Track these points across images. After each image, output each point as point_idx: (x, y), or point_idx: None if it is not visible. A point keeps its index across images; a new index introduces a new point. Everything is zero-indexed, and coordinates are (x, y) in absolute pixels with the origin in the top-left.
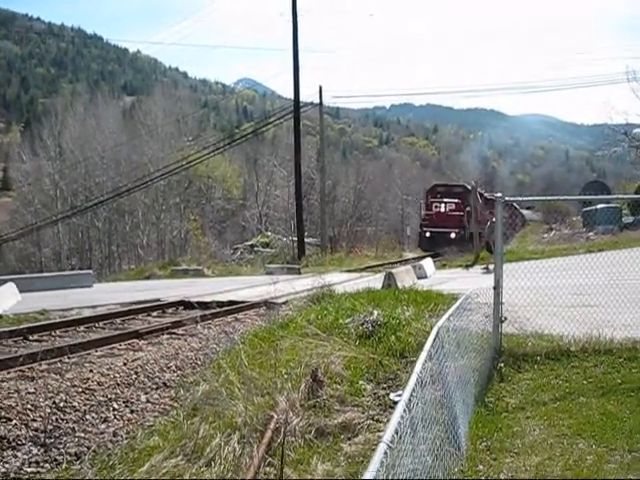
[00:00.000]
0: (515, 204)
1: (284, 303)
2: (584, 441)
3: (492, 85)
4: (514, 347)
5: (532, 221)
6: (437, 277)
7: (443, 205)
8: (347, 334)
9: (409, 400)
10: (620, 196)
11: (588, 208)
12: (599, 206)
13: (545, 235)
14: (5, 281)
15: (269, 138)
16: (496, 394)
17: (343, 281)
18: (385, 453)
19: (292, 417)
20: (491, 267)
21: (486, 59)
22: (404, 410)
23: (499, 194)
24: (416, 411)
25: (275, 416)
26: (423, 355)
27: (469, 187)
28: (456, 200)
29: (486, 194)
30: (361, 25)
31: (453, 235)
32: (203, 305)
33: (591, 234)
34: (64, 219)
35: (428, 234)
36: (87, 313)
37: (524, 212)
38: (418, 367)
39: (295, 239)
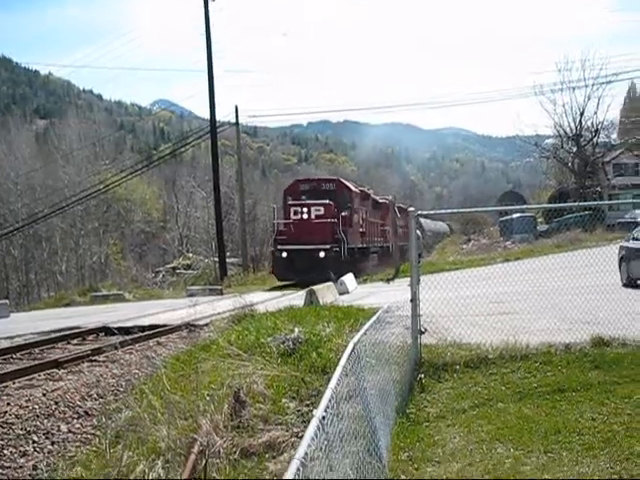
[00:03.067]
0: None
1: (206, 325)
2: (502, 445)
3: (407, 100)
4: (434, 358)
5: (446, 233)
6: (359, 292)
7: (306, 209)
8: (269, 353)
9: (323, 417)
10: (532, 206)
11: (504, 218)
12: (515, 216)
13: (464, 246)
14: None
15: (187, 159)
16: (417, 405)
17: (265, 300)
18: (298, 469)
19: (216, 439)
20: (421, 278)
21: (400, 75)
22: (317, 426)
23: (412, 208)
24: (333, 426)
25: (199, 439)
26: (338, 371)
27: (346, 183)
28: (326, 201)
29: (403, 207)
30: (277, 44)
31: (322, 254)
32: (124, 330)
33: (508, 243)
34: None
35: (285, 254)
36: (4, 344)
37: (441, 224)
38: (333, 383)
39: (217, 260)
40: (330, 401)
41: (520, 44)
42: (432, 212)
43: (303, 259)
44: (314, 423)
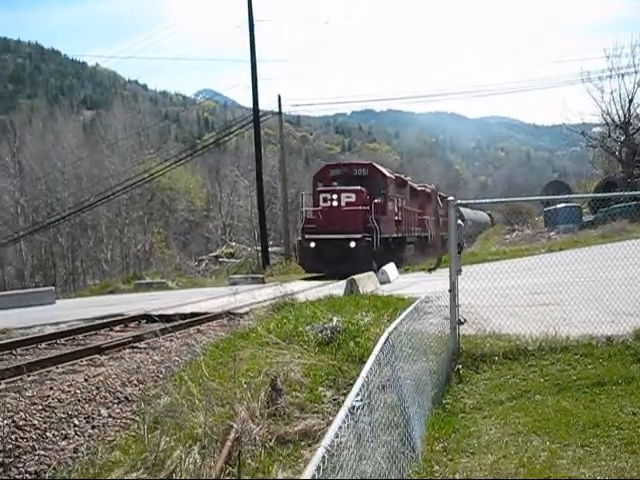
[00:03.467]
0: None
1: (246, 313)
2: (539, 438)
3: (451, 89)
4: (472, 348)
5: (487, 224)
6: (400, 282)
7: (336, 196)
8: (307, 341)
9: (352, 406)
10: (574, 195)
11: (549, 208)
12: (559, 206)
13: (507, 236)
14: None
15: (231, 148)
16: (454, 395)
17: (306, 289)
18: (323, 457)
19: (252, 426)
20: (462, 268)
21: (444, 64)
22: (346, 415)
23: (451, 197)
24: (364, 415)
25: (235, 426)
26: (371, 359)
27: (380, 168)
28: (358, 187)
29: (443, 195)
30: (319, 33)
31: (353, 244)
32: (166, 318)
33: (552, 233)
34: (26, 236)
35: (313, 244)
36: (49, 330)
37: (481, 214)
38: (364, 371)
39: (259, 248)
40: (361, 390)
41: (568, 31)
42: (472, 201)
43: (332, 249)
44: (342, 412)
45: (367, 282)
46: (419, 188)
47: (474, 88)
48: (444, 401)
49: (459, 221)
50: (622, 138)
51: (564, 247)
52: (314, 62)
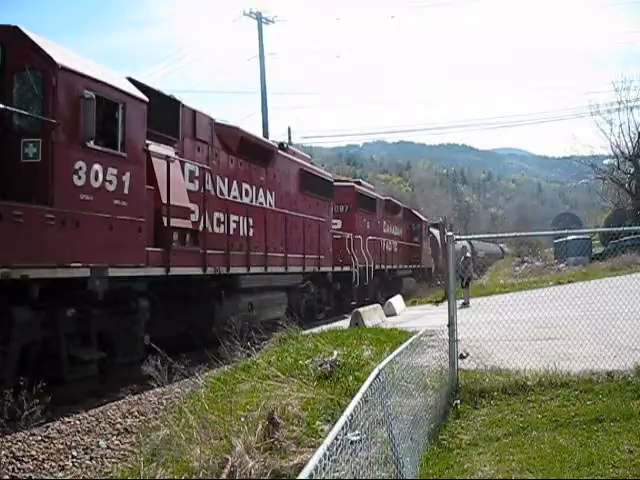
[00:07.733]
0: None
1: None
2: (532, 475)
3: (463, 121)
4: (471, 383)
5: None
6: (406, 314)
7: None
8: (306, 375)
9: (332, 444)
10: (577, 230)
11: (559, 240)
12: (570, 238)
13: (517, 268)
14: None
15: None
16: (450, 431)
17: None
18: None
19: (247, 460)
20: (470, 301)
21: (456, 95)
22: (324, 454)
23: (450, 232)
24: (346, 454)
25: (230, 459)
26: (357, 397)
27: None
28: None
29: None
30: (331, 65)
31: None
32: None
33: (562, 265)
34: None
35: None
36: None
37: (491, 246)
38: (349, 410)
39: None
40: (343, 429)
41: (577, 64)
42: (469, 237)
43: None
44: (320, 451)
45: (373, 315)
46: (347, 185)
47: (484, 120)
48: (440, 437)
49: (468, 253)
50: (632, 170)
51: (573, 279)
52: (327, 94)
